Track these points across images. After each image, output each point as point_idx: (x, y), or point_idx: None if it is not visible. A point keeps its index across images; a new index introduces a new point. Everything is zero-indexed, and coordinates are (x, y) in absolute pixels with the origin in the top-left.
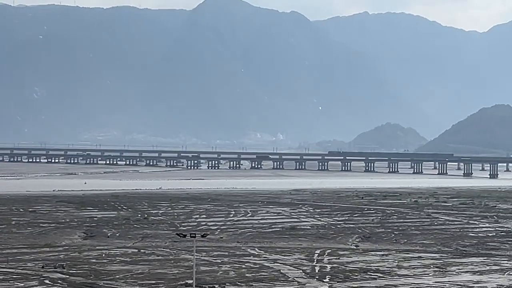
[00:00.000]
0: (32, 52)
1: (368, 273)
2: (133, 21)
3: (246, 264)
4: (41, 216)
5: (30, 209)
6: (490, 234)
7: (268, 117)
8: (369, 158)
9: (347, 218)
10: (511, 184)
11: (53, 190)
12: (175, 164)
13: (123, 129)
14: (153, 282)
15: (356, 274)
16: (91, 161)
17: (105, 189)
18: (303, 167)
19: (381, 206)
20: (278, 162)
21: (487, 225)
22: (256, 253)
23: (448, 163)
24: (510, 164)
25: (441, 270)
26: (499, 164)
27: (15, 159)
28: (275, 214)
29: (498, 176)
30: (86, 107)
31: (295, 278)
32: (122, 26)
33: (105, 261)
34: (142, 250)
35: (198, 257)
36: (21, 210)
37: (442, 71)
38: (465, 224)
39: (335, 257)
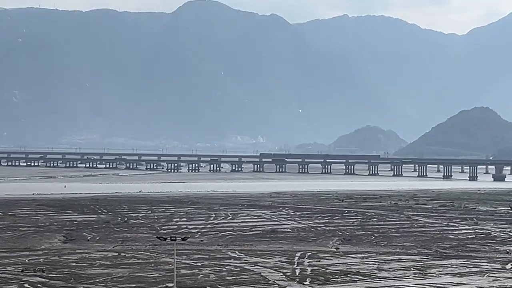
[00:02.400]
0: (11, 55)
1: (349, 275)
2: (113, 24)
3: (226, 267)
4: (20, 220)
5: (10, 213)
6: (469, 236)
7: (248, 120)
8: (349, 160)
9: (327, 220)
10: (490, 186)
11: (33, 194)
12: (155, 167)
13: (103, 132)
14: (134, 285)
15: (337, 276)
16: (71, 165)
17: (85, 192)
18: (283, 170)
19: (361, 209)
20: (258, 165)
21: (466, 227)
22: (237, 256)
23: (428, 165)
24: (489, 166)
25: (421, 272)
26: (478, 166)
27: None
28: (256, 217)
29: (478, 178)
30: (66, 111)
31: (275, 281)
32: (102, 29)
33: (85, 264)
34: (122, 254)
35: (178, 260)
36: (0, 213)
37: (422, 74)
38: (445, 226)
39: (315, 260)
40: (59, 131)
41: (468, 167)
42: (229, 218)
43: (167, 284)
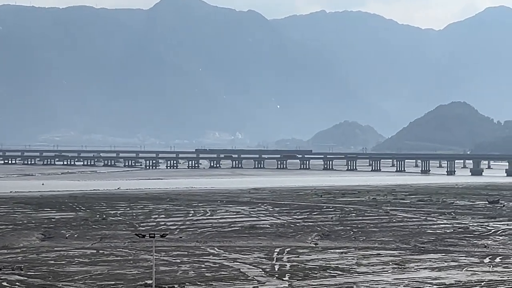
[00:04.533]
0: None
1: (328, 270)
2: (90, 21)
3: (205, 264)
4: None
5: None
6: (448, 231)
7: (226, 116)
8: (328, 156)
9: (306, 216)
10: (468, 181)
11: (10, 192)
12: (133, 164)
13: (80, 129)
14: (112, 282)
15: (316, 272)
16: (49, 162)
17: (63, 190)
18: (262, 166)
19: (340, 204)
20: (237, 161)
21: (444, 221)
22: (216, 253)
23: (406, 160)
24: (467, 161)
25: (400, 267)
26: (456, 161)
27: None
28: (234, 213)
29: (455, 173)
30: (43, 108)
31: (254, 277)
32: (79, 26)
33: (63, 262)
34: (100, 251)
35: (157, 257)
36: None
37: (399, 69)
38: (423, 221)
39: (294, 255)
40: (37, 128)
41: (446, 162)
42: (208, 214)
43: (146, 281)
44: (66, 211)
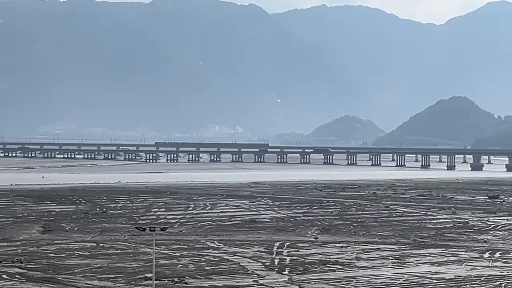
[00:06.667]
0: None
1: (327, 265)
2: (90, 14)
3: (205, 257)
4: None
5: None
6: (447, 226)
7: (227, 110)
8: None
9: (306, 210)
10: (468, 176)
11: (11, 184)
12: (133, 157)
13: (81, 123)
14: (112, 276)
15: (315, 266)
16: (49, 155)
17: (63, 183)
18: (262, 160)
19: (340, 198)
20: (237, 155)
21: (444, 216)
22: (216, 246)
23: (406, 155)
24: (467, 156)
25: (400, 261)
26: (456, 156)
27: None
28: (234, 207)
29: (456, 167)
30: (44, 101)
31: (254, 271)
32: (79, 19)
33: (63, 255)
34: (100, 244)
35: (157, 250)
36: None
37: (400, 63)
38: (423, 216)
39: (294, 250)
40: (37, 121)
41: (446, 157)
42: (208, 208)
43: (146, 274)
44: (66, 204)
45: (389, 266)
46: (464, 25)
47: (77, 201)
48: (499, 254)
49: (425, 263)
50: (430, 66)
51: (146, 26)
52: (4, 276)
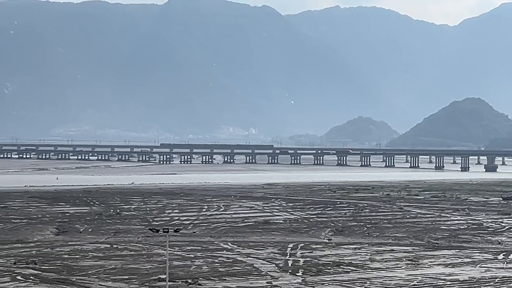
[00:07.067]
0: (2, 47)
1: (341, 266)
2: (104, 16)
3: (219, 259)
4: (12, 212)
5: (2, 205)
6: (461, 227)
7: (240, 111)
8: (340, 151)
9: (319, 211)
10: (482, 177)
11: (25, 186)
12: (147, 159)
13: (94, 124)
14: (126, 277)
15: (329, 267)
16: (63, 157)
17: (77, 184)
18: (275, 161)
19: (354, 200)
20: (250, 156)
21: (458, 217)
22: (229, 248)
23: (420, 156)
24: (481, 157)
25: (414, 263)
26: (470, 157)
27: None
28: (248, 208)
29: (470, 169)
30: (58, 102)
31: (268, 272)
32: (93, 21)
33: (77, 256)
34: (114, 246)
35: (171, 252)
36: None
37: (414, 64)
38: (437, 217)
39: (308, 251)
40: (51, 123)
41: (460, 158)
42: (221, 209)
43: (159, 276)
44: (80, 205)
45: (403, 267)
46: (478, 26)
47: (91, 203)
48: None
49: (439, 264)
50: (444, 67)
51: (159, 28)
52: (19, 277)
